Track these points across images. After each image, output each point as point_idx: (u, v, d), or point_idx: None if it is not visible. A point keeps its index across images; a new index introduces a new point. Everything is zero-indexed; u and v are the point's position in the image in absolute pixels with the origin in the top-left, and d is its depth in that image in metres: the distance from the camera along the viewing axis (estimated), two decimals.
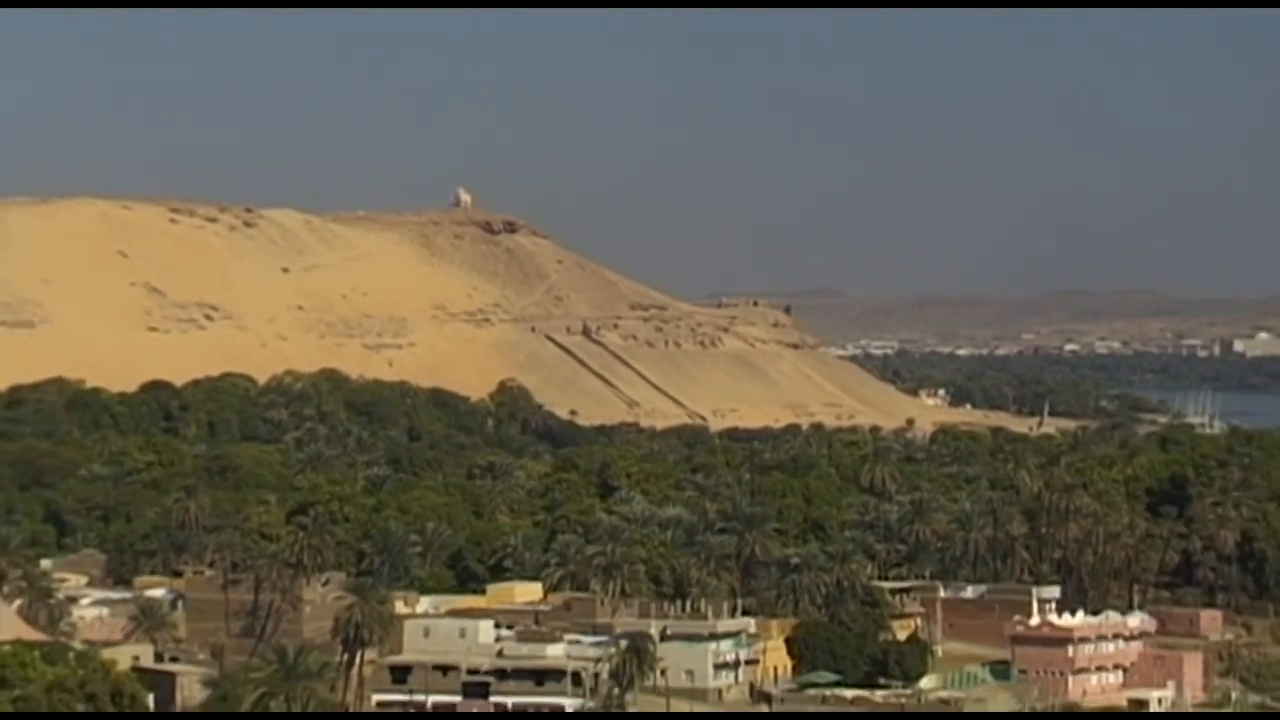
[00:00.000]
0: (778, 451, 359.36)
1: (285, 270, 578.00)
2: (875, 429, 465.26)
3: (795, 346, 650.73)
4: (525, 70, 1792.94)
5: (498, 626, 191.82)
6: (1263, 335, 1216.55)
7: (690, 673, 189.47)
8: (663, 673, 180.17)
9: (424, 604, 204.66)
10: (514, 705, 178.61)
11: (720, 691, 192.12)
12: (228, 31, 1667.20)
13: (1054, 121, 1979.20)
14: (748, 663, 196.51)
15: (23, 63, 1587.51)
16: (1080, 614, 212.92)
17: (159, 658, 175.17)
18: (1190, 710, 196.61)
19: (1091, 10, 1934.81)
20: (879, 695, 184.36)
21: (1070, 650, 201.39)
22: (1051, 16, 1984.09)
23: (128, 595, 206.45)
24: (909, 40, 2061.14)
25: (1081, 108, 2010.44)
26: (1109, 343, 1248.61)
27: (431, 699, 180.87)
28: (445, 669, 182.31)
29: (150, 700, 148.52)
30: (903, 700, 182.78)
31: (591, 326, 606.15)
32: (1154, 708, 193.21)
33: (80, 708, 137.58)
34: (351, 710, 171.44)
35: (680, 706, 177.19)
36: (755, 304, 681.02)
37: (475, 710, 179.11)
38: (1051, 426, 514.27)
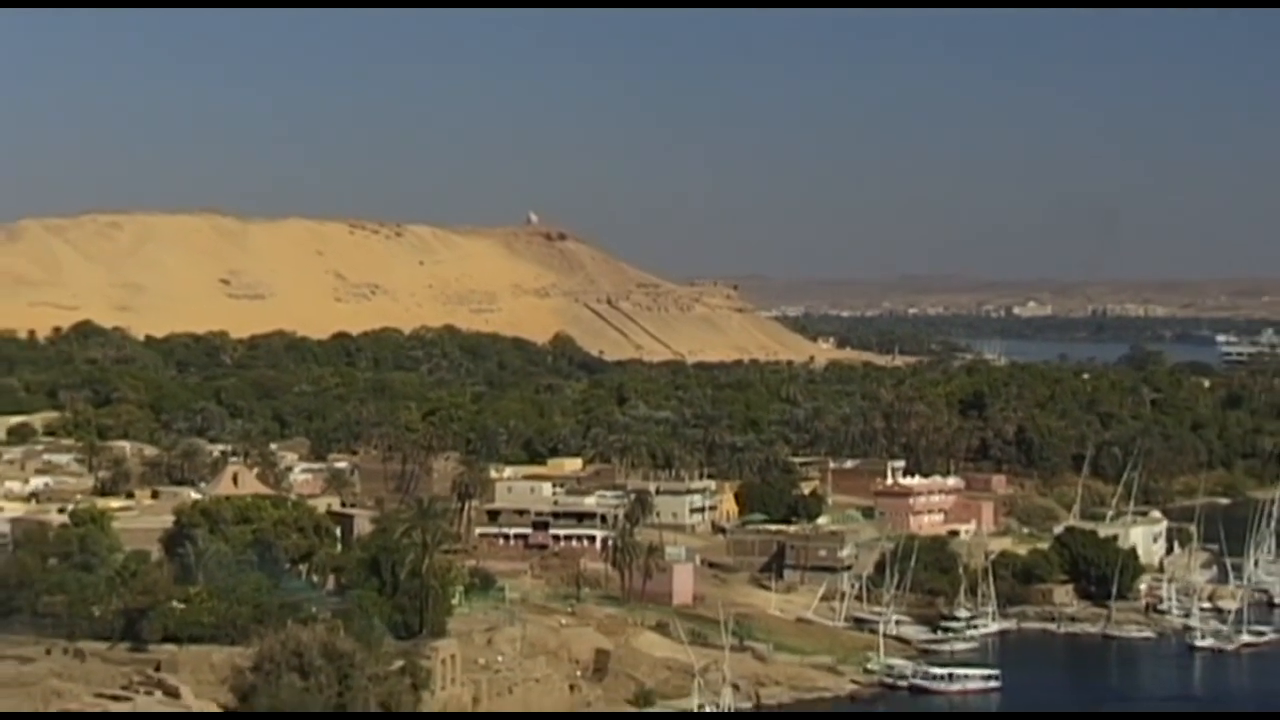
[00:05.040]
0: (729, 376, 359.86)
1: (421, 263, 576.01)
2: (790, 362, 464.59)
3: (740, 311, 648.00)
4: (572, 133, 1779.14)
5: (554, 486, 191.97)
6: (1031, 304, 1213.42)
7: (674, 514, 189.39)
8: (657, 514, 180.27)
9: (508, 472, 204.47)
10: (564, 535, 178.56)
11: (693, 527, 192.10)
12: (389, 103, 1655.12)
13: (901, 151, 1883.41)
14: (710, 508, 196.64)
15: (270, 121, 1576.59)
16: (917, 477, 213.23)
17: (343, 505, 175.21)
18: (987, 536, 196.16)
19: (946, 31, 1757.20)
20: (791, 529, 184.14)
21: (911, 500, 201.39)
22: (913, 36, 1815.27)
23: (323, 466, 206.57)
24: (814, 86, 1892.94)
25: (923, 136, 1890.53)
26: (936, 308, 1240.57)
27: (513, 530, 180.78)
28: (521, 512, 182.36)
29: (338, 531, 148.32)
30: (807, 531, 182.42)
31: (613, 298, 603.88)
32: (963, 536, 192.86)
33: (295, 537, 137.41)
34: (463, 536, 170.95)
35: (669, 537, 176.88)
36: (715, 284, 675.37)
37: (540, 537, 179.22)
38: (900, 361, 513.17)
